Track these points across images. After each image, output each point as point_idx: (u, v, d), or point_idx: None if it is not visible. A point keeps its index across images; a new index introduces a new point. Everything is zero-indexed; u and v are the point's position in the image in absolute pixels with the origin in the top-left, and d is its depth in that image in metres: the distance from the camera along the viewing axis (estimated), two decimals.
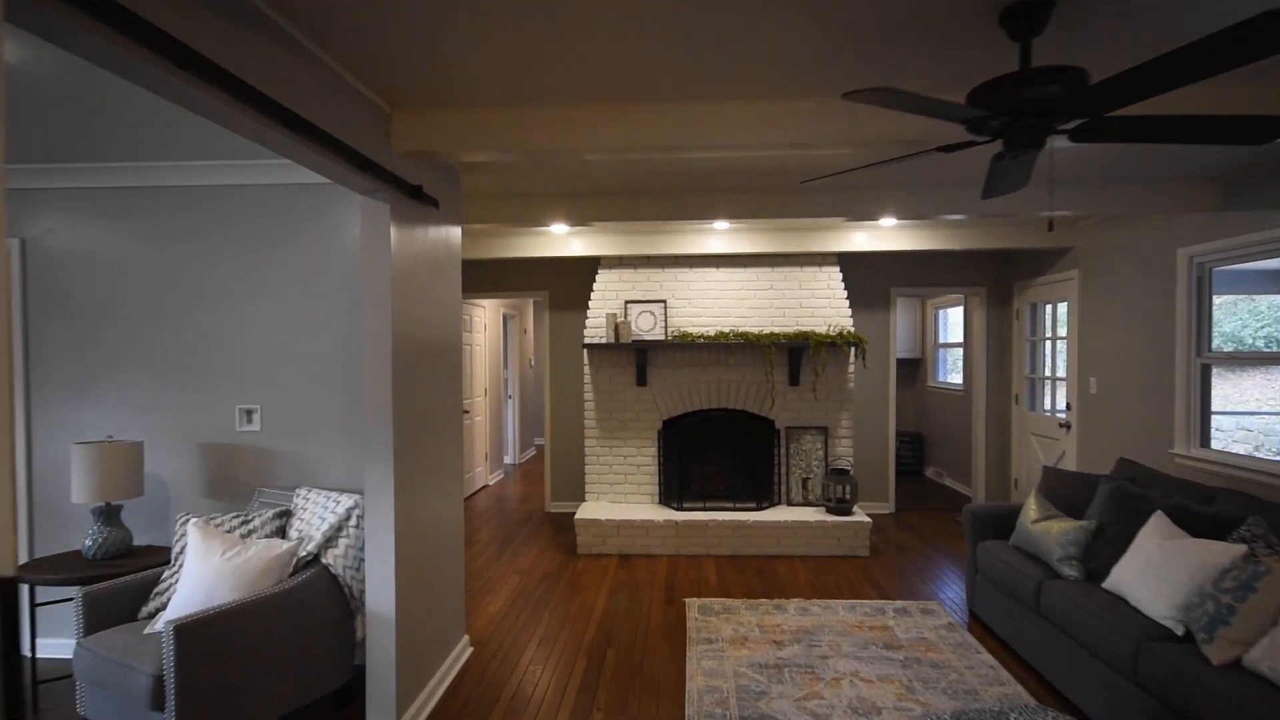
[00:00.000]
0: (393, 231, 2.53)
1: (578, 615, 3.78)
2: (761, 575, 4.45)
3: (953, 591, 4.12)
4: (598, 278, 5.48)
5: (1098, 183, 3.79)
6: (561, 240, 5.27)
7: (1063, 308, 5.23)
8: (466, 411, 6.71)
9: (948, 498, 6.63)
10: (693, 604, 3.90)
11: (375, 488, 2.52)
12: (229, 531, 2.71)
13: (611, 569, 4.61)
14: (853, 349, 5.09)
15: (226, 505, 3.24)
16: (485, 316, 7.44)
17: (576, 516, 4.95)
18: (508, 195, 3.97)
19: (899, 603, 3.89)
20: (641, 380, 5.32)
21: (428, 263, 2.90)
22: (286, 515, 2.89)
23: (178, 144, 2.93)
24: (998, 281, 5.98)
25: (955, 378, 7.54)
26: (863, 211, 3.96)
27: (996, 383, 5.99)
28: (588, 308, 5.50)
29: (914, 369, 8.18)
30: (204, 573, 2.45)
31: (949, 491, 6.91)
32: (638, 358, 5.24)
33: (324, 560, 2.68)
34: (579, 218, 3.98)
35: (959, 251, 5.92)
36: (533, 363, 9.79)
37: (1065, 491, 3.43)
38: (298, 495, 2.96)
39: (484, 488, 7.41)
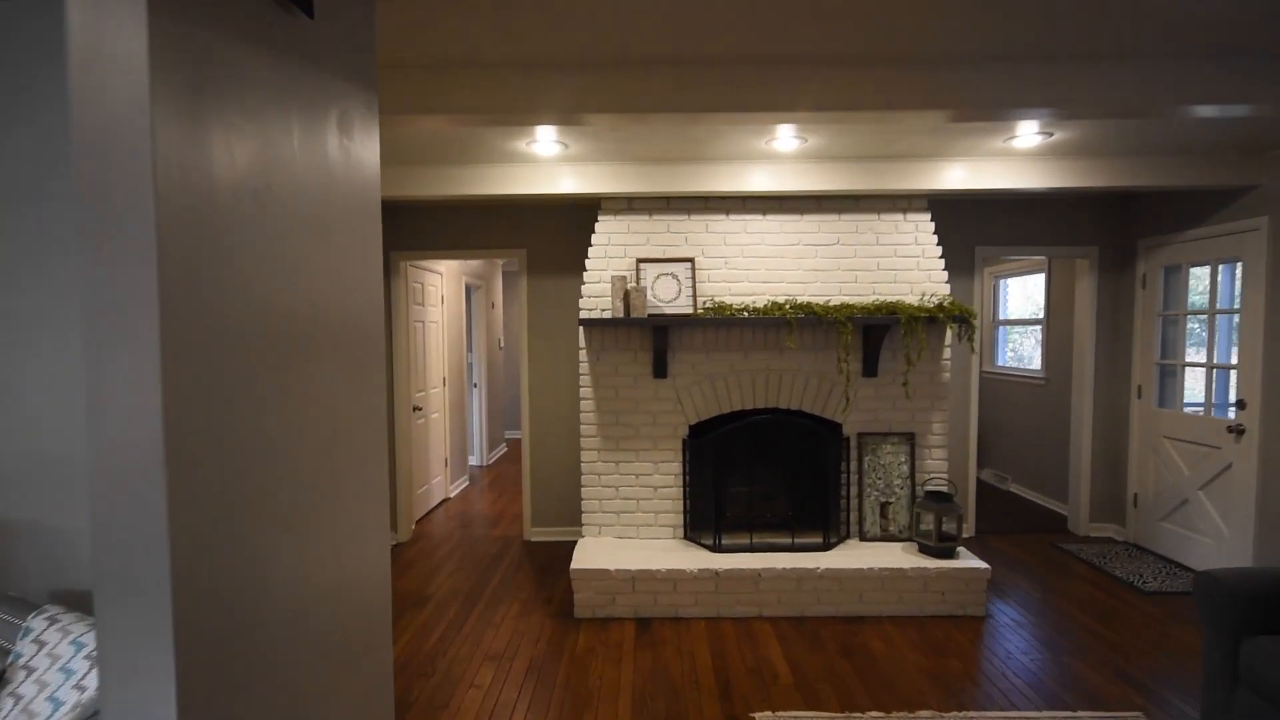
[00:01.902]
0: (144, 38, 0.96)
1: None
2: (850, 656, 3.05)
3: (1142, 679, 2.78)
4: (598, 227, 3.93)
5: None
6: (546, 172, 3.71)
7: (1228, 271, 3.90)
8: (419, 409, 5.14)
9: (1029, 513, 5.33)
10: None
11: (115, 659, 0.99)
12: None
13: (628, 647, 3.16)
14: (958, 325, 3.67)
15: None
16: (443, 286, 5.83)
17: (574, 566, 3.47)
18: (470, 64, 2.38)
19: (1086, 717, 2.53)
20: (660, 370, 3.83)
21: (294, 160, 1.34)
22: None
23: None
24: (1115, 238, 4.62)
25: (1020, 361, 6.23)
26: (1041, 94, 2.50)
27: (1108, 370, 4.67)
28: (584, 269, 3.98)
29: None
30: None
31: (1023, 503, 5.62)
32: (655, 339, 3.74)
33: None
34: (582, 104, 2.41)
35: (1067, 200, 4.55)
36: (502, 343, 8.20)
37: None
38: (28, 633, 1.41)
39: (444, 502, 5.86)
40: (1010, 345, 6.46)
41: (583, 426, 3.91)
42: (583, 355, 3.89)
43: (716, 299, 3.87)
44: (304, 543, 1.34)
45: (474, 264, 6.77)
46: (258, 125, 1.21)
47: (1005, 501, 5.66)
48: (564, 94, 2.37)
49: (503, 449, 8.15)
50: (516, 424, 8.90)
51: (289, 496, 1.29)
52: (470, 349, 7.24)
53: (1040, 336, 5.68)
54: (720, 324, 3.72)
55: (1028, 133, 3.19)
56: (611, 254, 3.91)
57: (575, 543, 4.68)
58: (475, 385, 7.29)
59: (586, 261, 3.91)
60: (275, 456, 1.25)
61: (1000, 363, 6.45)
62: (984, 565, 3.42)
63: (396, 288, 4.73)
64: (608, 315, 3.86)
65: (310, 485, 1.37)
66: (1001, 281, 6.46)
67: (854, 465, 3.87)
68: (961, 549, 3.58)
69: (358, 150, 1.65)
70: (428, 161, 3.63)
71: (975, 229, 4.62)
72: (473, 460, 7.41)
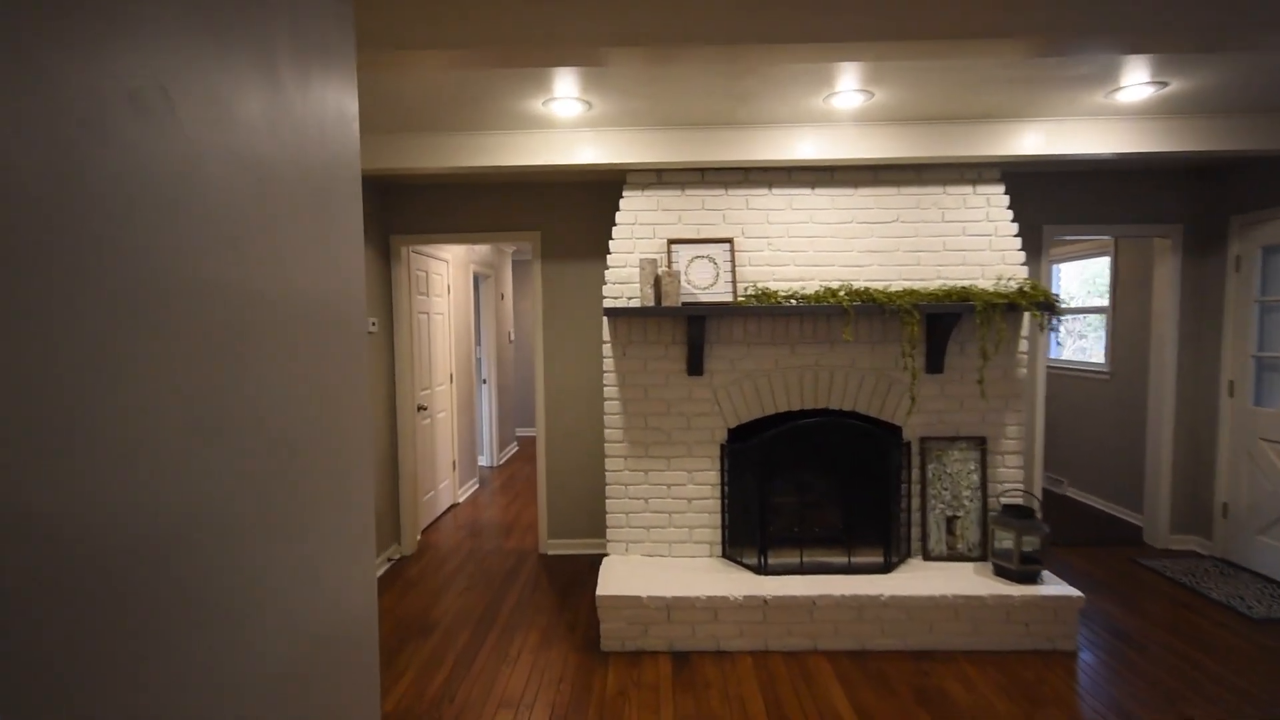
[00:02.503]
0: None
1: None
2: (926, 703, 2.59)
3: None
4: (623, 204, 3.47)
5: None
6: (564, 140, 3.24)
7: None
8: (424, 408, 4.71)
9: (1094, 522, 4.84)
10: None
11: None
12: None
13: (665, 689, 2.71)
14: (1042, 314, 3.17)
15: None
16: (449, 275, 5.38)
17: (600, 592, 3.02)
18: None
19: None
20: (695, 367, 3.37)
21: (213, 64, 0.88)
22: None
23: None
24: (1202, 217, 4.11)
25: (1076, 353, 5.72)
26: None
27: (1192, 365, 4.16)
28: (607, 253, 3.53)
29: None
30: None
31: (1085, 510, 5.13)
32: (690, 331, 3.28)
33: None
34: (606, 34, 1.92)
35: (1147, 173, 4.03)
36: (512, 337, 7.76)
37: None
38: None
39: (452, 508, 5.44)
40: (1056, 337, 5.94)
41: (607, 431, 3.46)
42: (607, 350, 3.43)
43: (759, 285, 3.40)
44: (244, 584, 0.89)
45: (482, 251, 6.33)
46: None
47: (1065, 508, 5.17)
48: (584, 20, 1.88)
49: (514, 448, 7.73)
50: (527, 421, 8.48)
51: (217, 525, 0.84)
52: (479, 342, 6.81)
53: (1106, 326, 5.16)
54: (764, 314, 3.25)
55: (1135, 82, 2.70)
56: (639, 234, 3.44)
57: (597, 556, 4.24)
58: (484, 381, 6.86)
59: (610, 243, 3.44)
60: (185, 477, 0.80)
61: (1052, 355, 5.95)
62: (1076, 593, 2.94)
63: (398, 275, 4.28)
64: (636, 304, 3.40)
65: (252, 512, 0.92)
66: (1055, 267, 5.94)
67: (916, 474, 3.40)
68: (1046, 572, 3.10)
69: (323, 75, 1.19)
70: (428, 128, 3.17)
71: (1043, 206, 4.12)
72: (482, 461, 7.00)
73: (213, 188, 0.88)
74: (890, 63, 2.45)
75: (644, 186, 3.46)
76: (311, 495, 1.08)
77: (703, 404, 3.41)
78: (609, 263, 3.44)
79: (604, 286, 3.45)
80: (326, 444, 1.13)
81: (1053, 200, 4.12)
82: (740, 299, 3.34)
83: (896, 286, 3.38)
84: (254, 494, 0.92)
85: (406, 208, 4.20)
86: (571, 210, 4.14)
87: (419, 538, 4.62)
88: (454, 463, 5.50)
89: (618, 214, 3.46)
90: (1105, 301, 5.16)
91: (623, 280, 3.42)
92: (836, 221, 3.42)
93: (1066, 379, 5.56)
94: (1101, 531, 4.59)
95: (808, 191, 3.43)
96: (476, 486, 6.11)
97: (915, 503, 3.40)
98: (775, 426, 3.31)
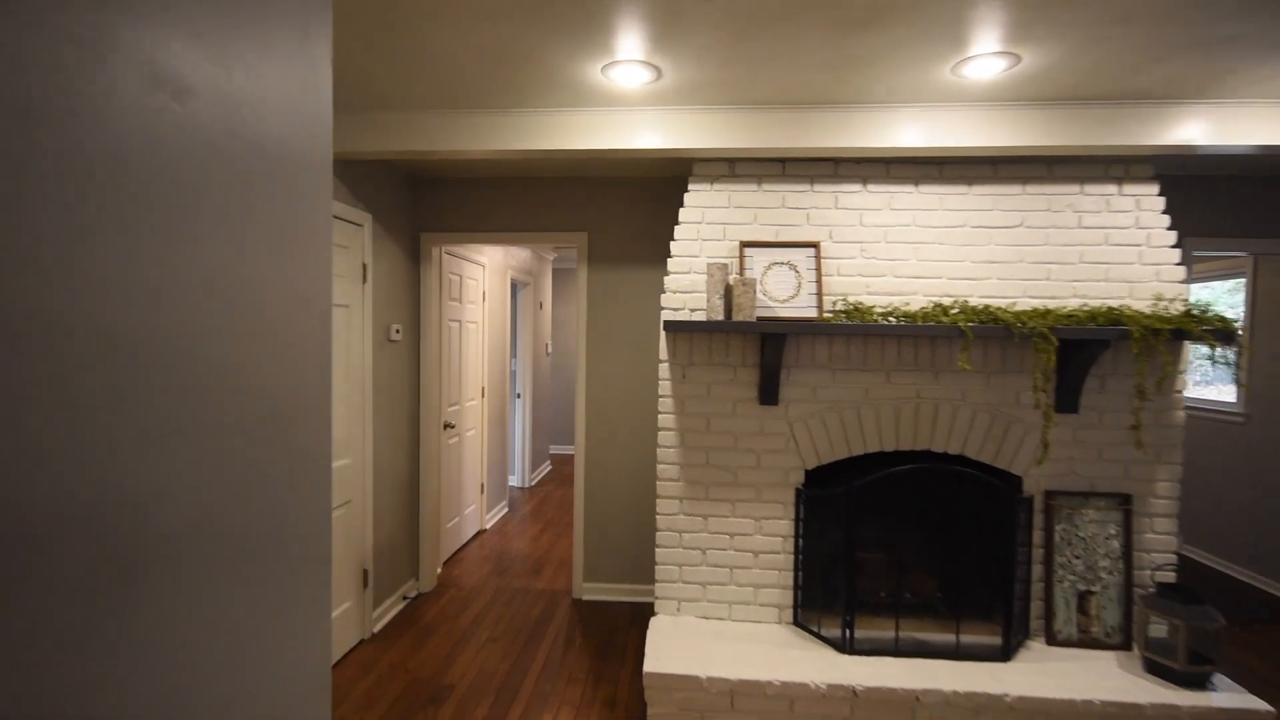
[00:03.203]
0: None
1: None
2: None
3: None
4: (688, 199, 2.95)
5: None
6: (621, 122, 2.73)
7: None
8: (452, 426, 4.24)
9: (1226, 590, 4.09)
10: None
11: None
12: None
13: None
14: (1219, 344, 2.51)
15: None
16: (485, 280, 4.94)
17: (649, 668, 2.47)
18: None
19: None
20: (769, 394, 2.81)
21: None
22: None
23: None
24: None
25: (1205, 390, 4.96)
26: None
27: None
28: (665, 256, 3.01)
29: None
30: None
31: (1210, 574, 4.37)
32: (765, 351, 2.72)
33: None
34: None
35: None
36: (550, 349, 7.30)
37: None
38: None
39: (478, 535, 4.95)
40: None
41: (660, 467, 2.91)
42: (664, 371, 2.90)
43: (850, 299, 2.83)
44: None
45: (521, 257, 5.88)
46: None
47: (1184, 570, 4.41)
48: None
49: (547, 467, 7.23)
50: (561, 438, 7.99)
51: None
52: (514, 355, 6.36)
53: (1239, 360, 4.41)
54: (855, 333, 2.67)
55: None
56: (706, 235, 2.91)
57: (639, 606, 3.69)
58: (519, 395, 6.39)
59: (672, 245, 2.92)
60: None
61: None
62: (1265, 706, 2.27)
63: (427, 278, 3.84)
64: (700, 317, 2.86)
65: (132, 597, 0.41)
66: None
67: (1039, 536, 2.76)
68: (1219, 676, 2.43)
69: None
70: (463, 104, 2.70)
71: (1185, 215, 3.46)
72: (513, 481, 6.52)
73: (85, 136, 0.38)
74: (1051, 7, 1.88)
75: (713, 179, 2.93)
76: (230, 554, 0.55)
77: (776, 439, 2.85)
78: (669, 268, 2.92)
79: (663, 296, 2.92)
80: (256, 490, 0.61)
81: (1191, 208, 3.45)
82: (827, 315, 2.77)
83: (1021, 305, 2.77)
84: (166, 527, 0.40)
85: (438, 202, 3.76)
86: (623, 209, 3.64)
87: (439, 571, 4.13)
88: (482, 485, 5.02)
89: (682, 210, 2.94)
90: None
91: (685, 289, 2.89)
92: (945, 225, 2.83)
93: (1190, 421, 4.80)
94: (1238, 603, 3.85)
95: (910, 189, 2.86)
96: (505, 510, 5.62)
97: (1037, 571, 2.76)
98: (860, 468, 2.73)
